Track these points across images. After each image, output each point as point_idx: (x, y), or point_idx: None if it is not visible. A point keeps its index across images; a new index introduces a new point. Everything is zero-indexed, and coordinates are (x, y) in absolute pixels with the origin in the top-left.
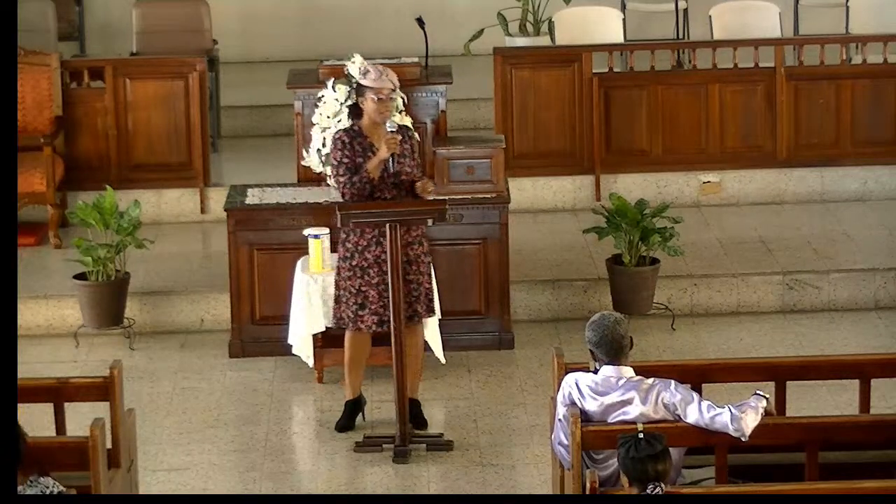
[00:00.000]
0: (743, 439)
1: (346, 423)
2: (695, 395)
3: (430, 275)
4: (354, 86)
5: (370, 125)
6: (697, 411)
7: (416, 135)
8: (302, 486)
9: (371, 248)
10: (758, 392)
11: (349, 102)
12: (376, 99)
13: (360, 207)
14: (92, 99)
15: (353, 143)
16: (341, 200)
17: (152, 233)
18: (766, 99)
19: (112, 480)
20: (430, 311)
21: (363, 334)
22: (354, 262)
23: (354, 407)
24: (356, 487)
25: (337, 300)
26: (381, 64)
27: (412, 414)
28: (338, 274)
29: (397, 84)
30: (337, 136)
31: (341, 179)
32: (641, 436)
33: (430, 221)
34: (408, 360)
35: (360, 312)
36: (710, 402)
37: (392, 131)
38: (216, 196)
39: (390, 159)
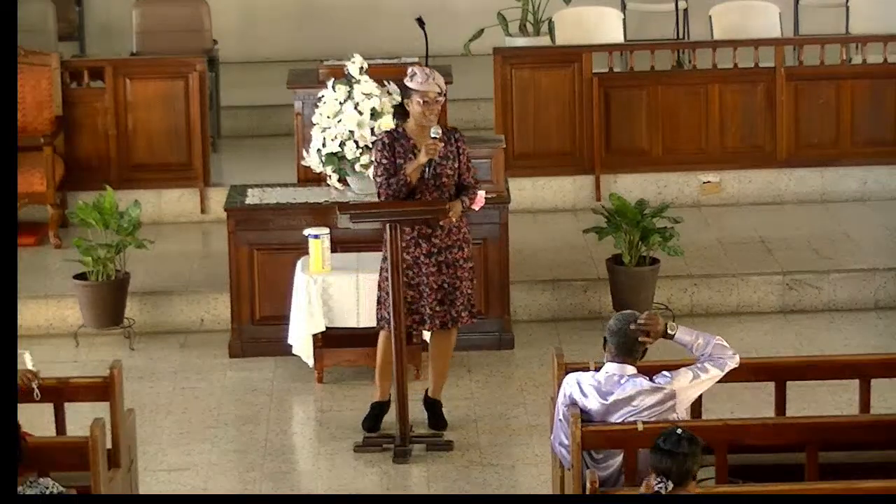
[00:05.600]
0: (735, 359)
1: (372, 424)
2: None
3: (471, 279)
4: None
5: (416, 127)
6: (689, 370)
7: (462, 137)
8: (302, 486)
9: (410, 249)
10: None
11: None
12: (422, 102)
13: (360, 207)
14: (92, 99)
15: (395, 144)
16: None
17: (152, 233)
18: (766, 99)
19: (112, 480)
20: (472, 316)
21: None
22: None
23: (381, 409)
24: (356, 487)
25: (378, 301)
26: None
27: (432, 413)
28: (380, 275)
29: (444, 87)
30: (379, 136)
31: (378, 180)
32: (679, 431)
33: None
34: (436, 362)
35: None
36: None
37: (435, 137)
38: (216, 196)
39: (428, 165)
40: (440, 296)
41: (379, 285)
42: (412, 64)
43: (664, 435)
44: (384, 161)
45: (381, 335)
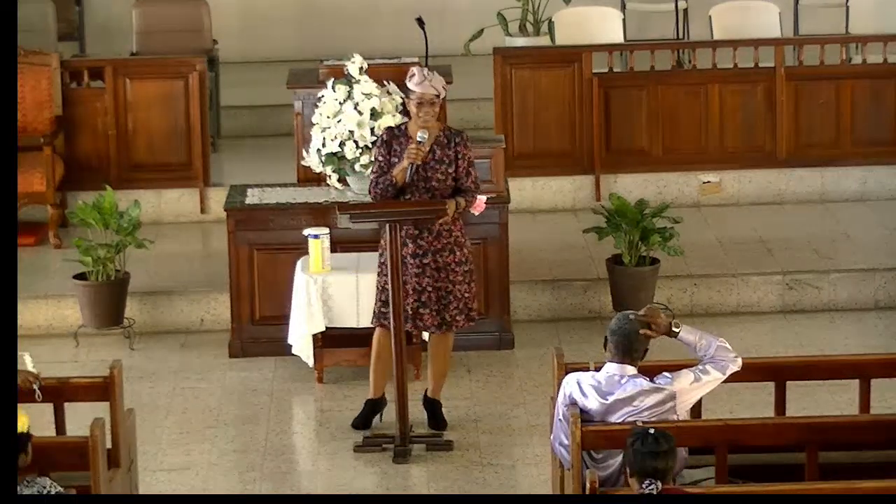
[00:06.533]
0: (738, 362)
1: (361, 421)
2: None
3: (468, 283)
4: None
5: (416, 127)
6: (691, 371)
7: (464, 141)
8: (302, 486)
9: (401, 247)
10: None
11: (348, 102)
12: (417, 103)
13: (360, 207)
14: (92, 99)
15: (393, 142)
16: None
17: (152, 233)
18: (766, 99)
19: (112, 480)
20: (470, 320)
21: (388, 332)
22: (383, 260)
23: (374, 406)
24: (356, 487)
25: (376, 296)
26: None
27: (432, 413)
28: (376, 270)
29: (441, 89)
30: (380, 133)
31: (371, 177)
32: (651, 431)
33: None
34: (434, 363)
35: (384, 309)
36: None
37: (420, 141)
38: (216, 196)
39: (409, 168)
40: (422, 298)
41: (376, 281)
42: (412, 64)
43: (637, 438)
44: (379, 158)
45: (375, 332)
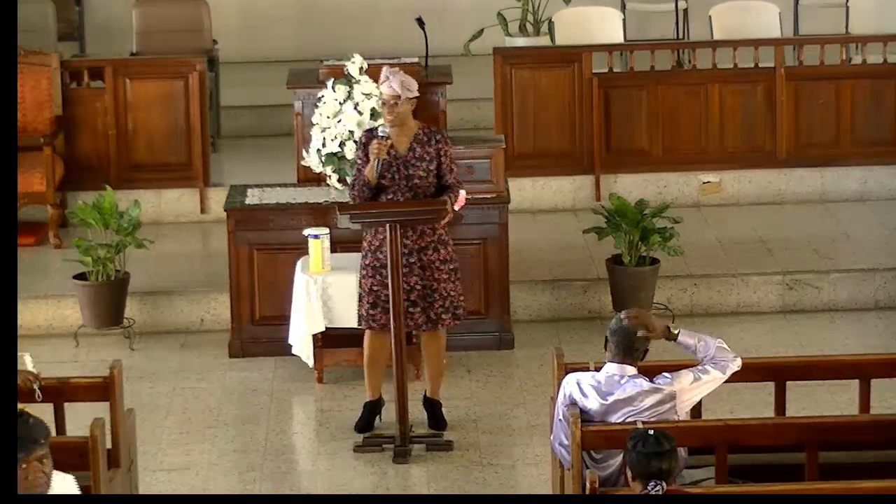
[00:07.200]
0: (737, 362)
1: (364, 424)
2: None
3: (453, 281)
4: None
5: (392, 127)
6: (690, 371)
7: (445, 138)
8: (302, 486)
9: (382, 249)
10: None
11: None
12: (381, 102)
13: (360, 207)
14: (92, 99)
15: (370, 143)
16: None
17: (152, 233)
18: (766, 99)
19: (112, 480)
20: (456, 318)
21: (378, 334)
22: (368, 262)
23: (373, 408)
24: (356, 487)
25: (359, 298)
26: (396, 65)
27: (431, 414)
28: (359, 272)
29: (399, 90)
30: (359, 135)
31: (350, 180)
32: (651, 432)
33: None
34: (429, 363)
35: (372, 311)
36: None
37: (382, 137)
38: (216, 196)
39: (377, 164)
40: (412, 297)
41: (359, 283)
42: (412, 64)
43: (638, 440)
44: (358, 161)
45: (366, 334)
